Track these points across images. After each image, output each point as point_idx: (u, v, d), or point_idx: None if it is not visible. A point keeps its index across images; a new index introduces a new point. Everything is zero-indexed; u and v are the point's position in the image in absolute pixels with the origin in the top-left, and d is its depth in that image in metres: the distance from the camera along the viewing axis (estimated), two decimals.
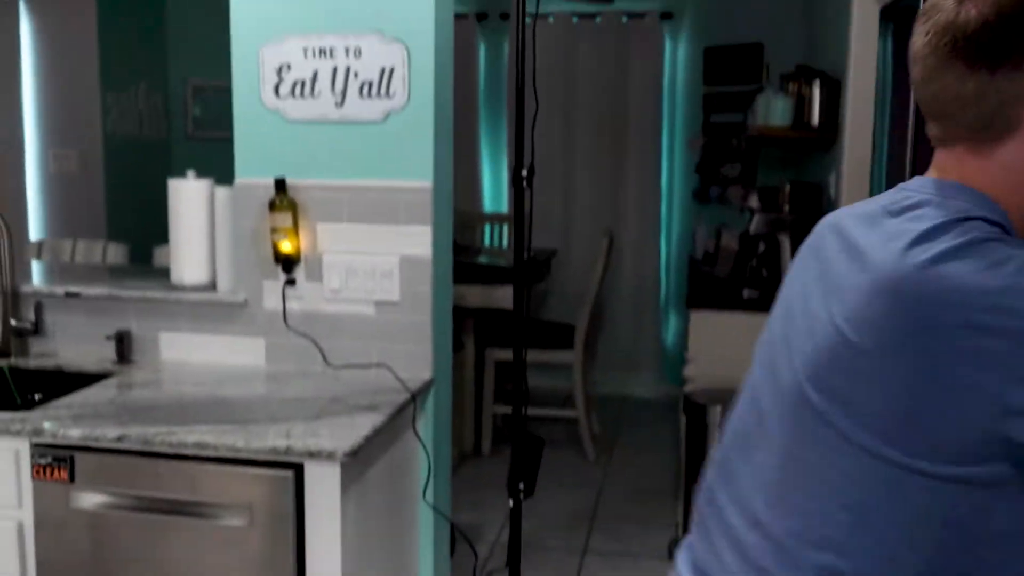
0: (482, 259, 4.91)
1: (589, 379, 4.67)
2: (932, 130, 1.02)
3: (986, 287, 0.86)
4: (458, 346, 4.29)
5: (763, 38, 5.11)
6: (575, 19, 5.62)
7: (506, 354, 4.51)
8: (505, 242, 5.68)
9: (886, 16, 3.51)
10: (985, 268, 0.87)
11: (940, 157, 1.02)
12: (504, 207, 5.76)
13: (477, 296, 4.26)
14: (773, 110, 4.01)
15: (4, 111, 5.12)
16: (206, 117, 5.50)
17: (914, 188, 1.01)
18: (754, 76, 4.93)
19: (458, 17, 5.67)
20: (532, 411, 4.95)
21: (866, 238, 0.98)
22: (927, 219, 0.93)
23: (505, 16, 5.72)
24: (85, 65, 5.03)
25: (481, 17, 5.75)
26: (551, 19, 5.64)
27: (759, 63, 4.96)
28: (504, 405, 4.78)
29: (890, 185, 1.19)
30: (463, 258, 4.52)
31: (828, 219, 1.12)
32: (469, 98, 5.66)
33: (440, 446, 2.53)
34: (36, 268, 3.16)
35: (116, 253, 3.34)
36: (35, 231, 5.14)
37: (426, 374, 2.42)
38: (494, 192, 5.83)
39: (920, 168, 1.07)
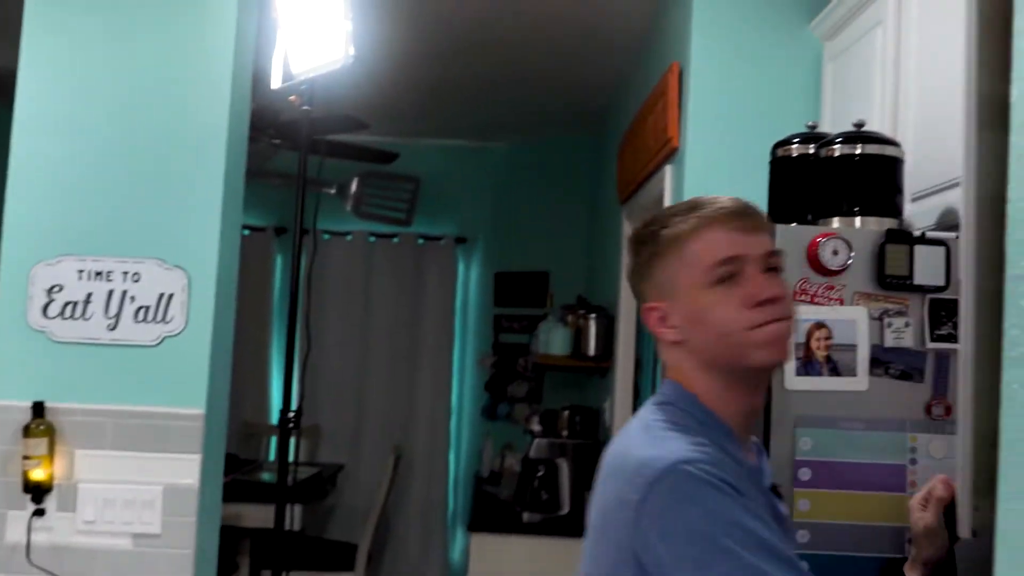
0: (264, 476, 4.77)
1: None
2: None
3: None
4: (232, 568, 4.08)
5: (549, 267, 5.46)
6: (372, 238, 5.80)
7: None
8: (292, 456, 5.54)
9: None
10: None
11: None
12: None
13: (255, 516, 4.10)
14: (554, 339, 4.24)
15: None
16: None
17: (650, 400, 1.32)
18: (540, 301, 5.22)
19: (256, 230, 5.76)
20: None
21: None
22: None
23: (305, 231, 5.81)
24: None
25: (280, 231, 5.84)
26: (349, 237, 5.80)
27: (544, 290, 5.27)
28: None
29: None
30: (244, 474, 4.38)
31: None
32: (263, 309, 5.66)
33: None
34: None
35: None
36: None
37: None
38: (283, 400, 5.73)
39: None
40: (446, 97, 4.93)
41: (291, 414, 2.56)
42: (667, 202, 2.90)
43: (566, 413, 4.05)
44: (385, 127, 5.10)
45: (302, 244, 2.83)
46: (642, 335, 3.74)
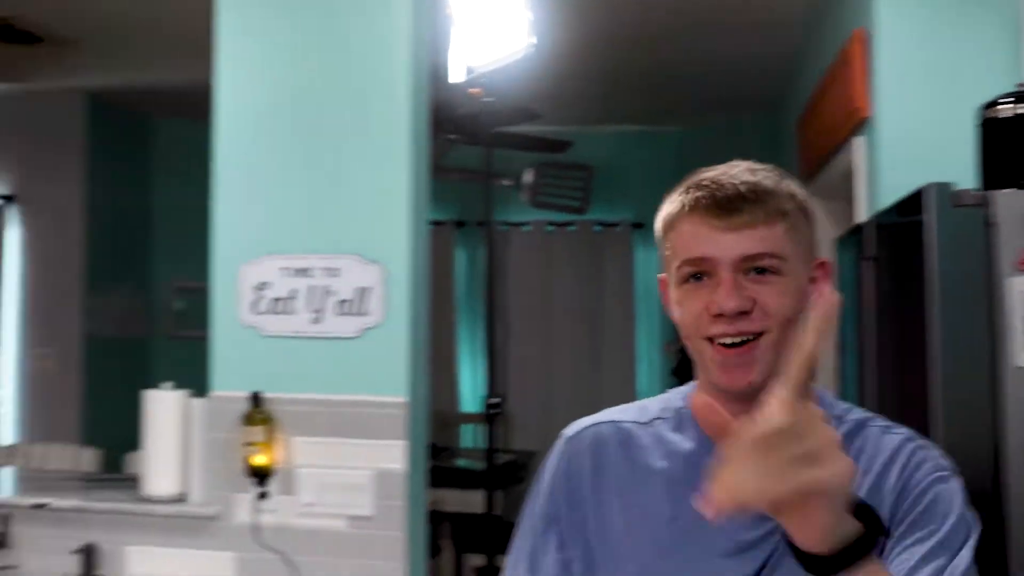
0: (459, 462, 4.91)
1: None
2: None
3: None
4: (435, 551, 4.22)
5: None
6: (549, 228, 5.85)
7: (484, 560, 4.44)
8: (483, 442, 5.69)
9: None
10: None
11: None
12: (483, 406, 5.81)
13: (454, 500, 4.24)
14: None
15: None
16: (188, 317, 5.60)
17: None
18: None
19: (437, 224, 5.93)
20: None
21: None
22: None
23: (482, 223, 5.95)
24: (69, 267, 5.16)
25: (459, 225, 5.98)
26: (527, 227, 5.88)
27: None
28: None
29: None
30: (440, 461, 4.52)
31: None
32: (447, 302, 5.82)
33: None
34: (6, 476, 3.14)
35: (88, 459, 3.33)
36: (11, 433, 5.10)
37: None
38: (472, 392, 5.89)
39: None
40: (618, 83, 4.90)
41: (493, 400, 2.60)
42: (860, 176, 2.79)
43: None
44: (556, 116, 5.13)
45: (491, 236, 2.87)
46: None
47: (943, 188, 1.68)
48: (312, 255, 2.52)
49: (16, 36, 4.06)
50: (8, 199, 5.35)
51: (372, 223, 2.50)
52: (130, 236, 5.53)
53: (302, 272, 2.53)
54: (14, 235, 5.33)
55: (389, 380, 2.46)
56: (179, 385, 2.59)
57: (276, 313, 2.53)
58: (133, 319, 5.51)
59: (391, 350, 2.47)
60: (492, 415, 2.60)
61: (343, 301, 2.50)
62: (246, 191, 2.56)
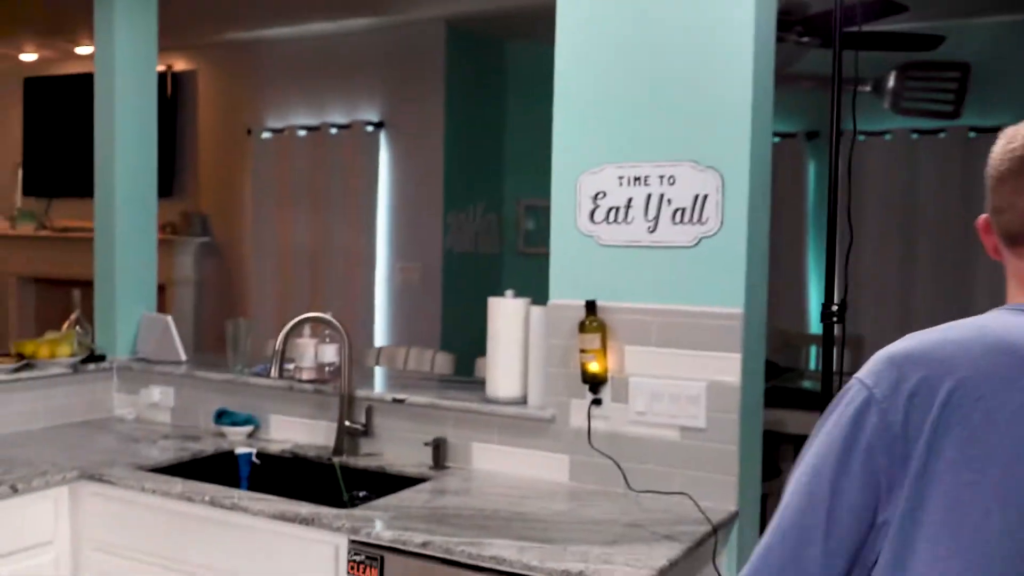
0: (805, 383, 4.70)
1: None
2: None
3: None
4: (774, 473, 4.10)
5: None
6: (914, 135, 5.34)
7: None
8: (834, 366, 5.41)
9: None
10: None
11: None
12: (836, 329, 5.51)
13: (797, 422, 4.07)
14: None
15: (363, 229, 5.73)
16: (536, 234, 5.82)
17: None
18: None
19: (786, 136, 5.63)
20: None
21: None
22: None
23: (839, 133, 5.57)
24: (431, 187, 5.54)
25: (811, 136, 5.64)
26: (888, 136, 5.41)
27: None
28: None
29: None
30: (782, 381, 4.36)
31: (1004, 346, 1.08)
32: (798, 217, 5.54)
33: None
34: (377, 373, 3.46)
35: (443, 362, 3.58)
36: (380, 338, 5.64)
37: (731, 506, 2.33)
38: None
39: None
40: None
41: (834, 307, 2.43)
42: None
43: None
44: (926, 8, 4.61)
45: (838, 143, 2.65)
46: None
47: None
48: (648, 163, 2.47)
49: None
50: (378, 125, 5.82)
51: (708, 129, 2.40)
52: (485, 157, 5.81)
53: (638, 180, 2.48)
54: (384, 158, 5.80)
55: (724, 291, 2.37)
56: (526, 296, 2.67)
57: (613, 222, 2.51)
58: (487, 236, 5.82)
59: (727, 260, 2.37)
60: (831, 322, 2.41)
61: (679, 209, 2.43)
62: (585, 100, 2.55)
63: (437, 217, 5.53)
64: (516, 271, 5.75)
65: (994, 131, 4.51)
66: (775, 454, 4.12)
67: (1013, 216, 1.15)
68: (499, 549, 1.97)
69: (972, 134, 5.20)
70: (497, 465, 2.63)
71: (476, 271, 5.69)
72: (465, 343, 3.97)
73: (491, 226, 5.86)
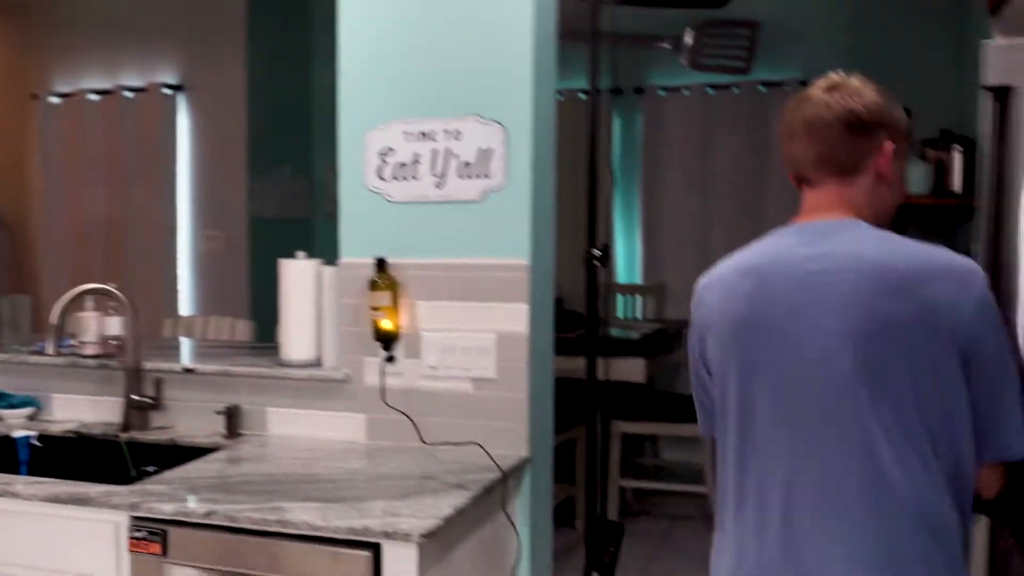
0: (613, 331, 4.85)
1: None
2: (807, 176, 1.60)
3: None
4: (582, 419, 4.23)
5: (909, 102, 4.89)
6: (710, 91, 5.56)
7: (633, 427, 4.43)
8: (640, 313, 5.61)
9: None
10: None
11: (812, 196, 1.60)
12: (638, 278, 5.70)
13: (602, 369, 4.20)
14: (912, 177, 3.82)
15: (163, 197, 5.50)
16: None
17: (836, 221, 1.55)
18: None
19: (591, 93, 5.74)
20: (661, 485, 4.88)
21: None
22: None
23: (639, 90, 5.74)
24: (234, 152, 5.36)
25: (616, 92, 5.77)
26: (687, 92, 5.62)
27: None
28: (632, 479, 4.70)
29: None
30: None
31: (742, 267, 1.66)
32: (603, 171, 5.68)
33: (538, 526, 2.47)
34: (172, 345, 3.33)
35: (244, 330, 3.49)
36: (186, 308, 5.45)
37: (522, 452, 2.38)
38: (628, 263, 5.78)
39: None
40: None
41: (595, 251, 2.50)
42: None
43: None
44: None
45: (597, 98, 2.71)
46: None
47: None
48: (433, 118, 2.46)
49: None
50: (177, 88, 5.57)
51: (491, 83, 2.41)
52: (292, 120, 5.65)
53: (424, 136, 2.48)
54: (184, 123, 5.56)
55: (511, 243, 2.40)
56: (334, 261, 2.62)
57: (401, 179, 2.50)
58: (296, 200, 5.69)
59: (513, 213, 2.40)
60: (591, 266, 2.49)
61: (465, 164, 2.44)
62: (370, 56, 2.52)
63: (241, 182, 5.36)
64: (328, 235, 5.63)
65: (781, 86, 4.77)
66: (581, 400, 4.23)
67: (799, 164, 1.60)
68: (285, 512, 1.95)
69: (762, 88, 5.46)
70: (293, 429, 2.59)
71: (286, 237, 5.53)
72: (274, 310, 3.87)
73: (300, 190, 5.73)
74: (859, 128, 1.51)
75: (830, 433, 1.44)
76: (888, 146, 1.53)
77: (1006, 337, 1.46)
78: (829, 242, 1.50)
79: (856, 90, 1.54)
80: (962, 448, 1.43)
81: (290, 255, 2.68)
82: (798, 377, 1.47)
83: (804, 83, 5.37)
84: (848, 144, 1.52)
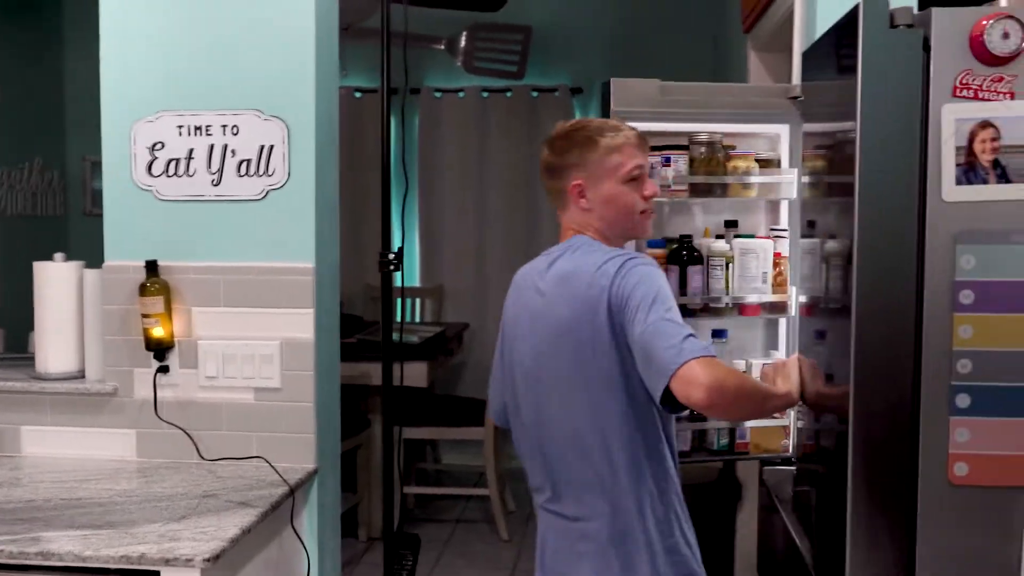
0: (394, 335, 4.78)
1: (503, 455, 4.54)
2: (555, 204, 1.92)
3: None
4: (364, 425, 4.14)
5: None
6: (485, 94, 5.61)
7: (416, 432, 4.38)
8: (419, 317, 5.58)
9: None
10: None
11: (564, 217, 1.91)
12: (417, 280, 5.67)
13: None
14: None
15: None
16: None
17: (574, 241, 1.87)
18: None
19: (369, 92, 5.66)
20: (444, 490, 4.87)
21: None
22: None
23: (416, 91, 5.70)
24: None
25: (394, 91, 5.70)
26: (462, 94, 5.64)
27: None
28: (416, 486, 4.66)
29: None
30: (369, 334, 4.40)
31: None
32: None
33: (325, 539, 2.38)
34: None
35: None
36: None
37: (310, 464, 2.28)
38: (407, 265, 5.72)
39: None
40: None
41: (391, 255, 2.46)
42: (797, 22, 2.63)
43: None
44: None
45: (390, 100, 2.67)
46: None
47: (877, 5, 1.51)
48: (210, 111, 2.32)
49: None
50: None
51: (272, 78, 2.30)
52: (41, 109, 5.19)
53: (199, 130, 2.33)
54: None
55: (295, 244, 2.30)
56: (95, 263, 2.40)
57: (173, 175, 2.33)
58: (47, 196, 5.23)
59: (296, 212, 2.30)
60: (388, 271, 2.45)
61: (244, 160, 2.31)
62: (137, 42, 2.33)
63: None
64: (84, 235, 5.22)
65: (552, 91, 4.83)
66: (363, 406, 4.15)
67: (552, 195, 1.90)
68: (46, 543, 1.76)
69: (534, 93, 5.57)
70: (52, 449, 2.36)
71: (36, 236, 5.09)
72: (23, 317, 3.53)
73: (52, 185, 5.27)
74: (551, 172, 1.87)
75: None
76: (575, 182, 1.83)
77: None
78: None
79: (551, 140, 1.88)
80: None
81: (45, 256, 2.43)
82: None
83: (575, 90, 5.56)
84: (549, 185, 1.89)
